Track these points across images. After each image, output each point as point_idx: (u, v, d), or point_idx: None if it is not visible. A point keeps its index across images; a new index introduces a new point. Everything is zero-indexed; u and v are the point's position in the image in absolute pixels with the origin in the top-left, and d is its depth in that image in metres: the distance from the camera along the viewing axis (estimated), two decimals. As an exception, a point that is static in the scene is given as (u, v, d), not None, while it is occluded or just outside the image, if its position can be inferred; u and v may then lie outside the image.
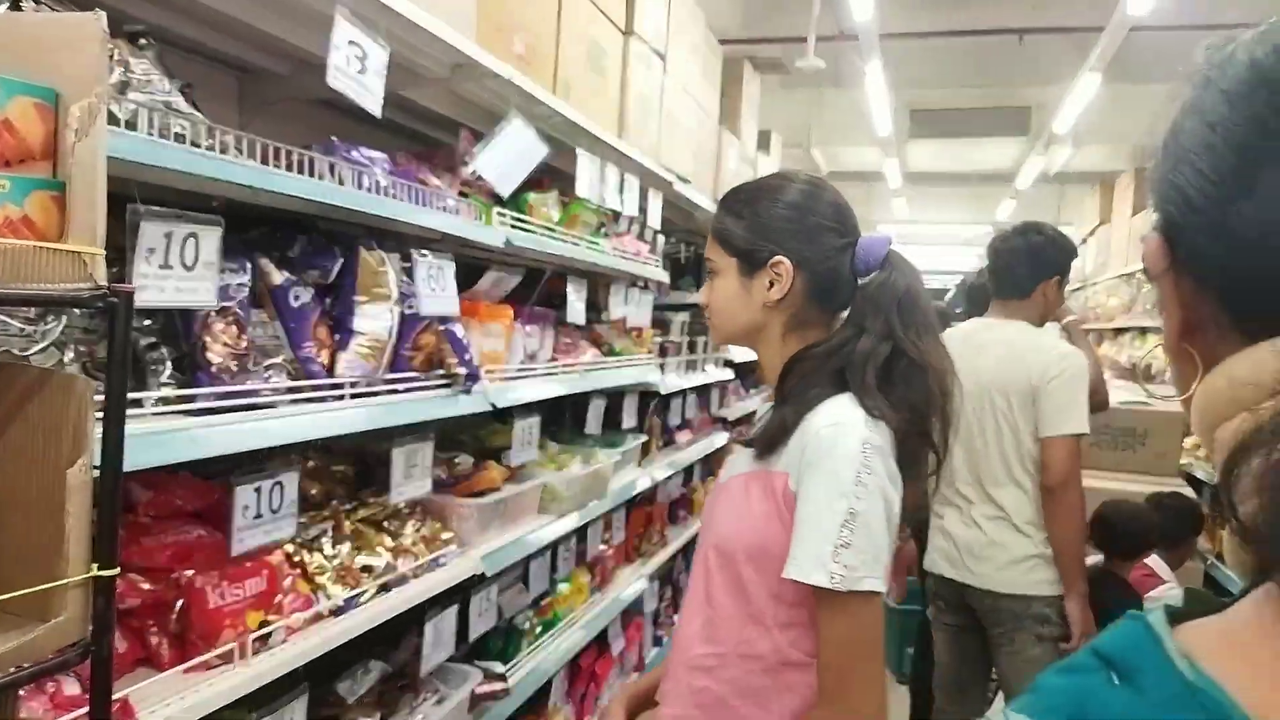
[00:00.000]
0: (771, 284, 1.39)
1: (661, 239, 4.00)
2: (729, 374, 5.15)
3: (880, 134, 9.03)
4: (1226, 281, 0.50)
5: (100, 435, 0.90)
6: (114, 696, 1.31)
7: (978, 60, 8.56)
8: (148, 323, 1.53)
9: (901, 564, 3.41)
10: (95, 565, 0.89)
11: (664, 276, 3.88)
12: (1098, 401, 2.84)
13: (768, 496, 1.32)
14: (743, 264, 1.42)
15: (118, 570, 0.89)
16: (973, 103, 9.36)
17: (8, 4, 1.26)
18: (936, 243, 16.80)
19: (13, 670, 0.83)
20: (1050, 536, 2.66)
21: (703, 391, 4.71)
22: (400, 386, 2.06)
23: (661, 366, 3.86)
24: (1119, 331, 8.33)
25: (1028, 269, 2.82)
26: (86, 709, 1.25)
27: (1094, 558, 3.06)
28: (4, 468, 0.92)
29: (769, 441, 1.35)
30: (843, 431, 1.27)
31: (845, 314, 1.42)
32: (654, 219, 3.61)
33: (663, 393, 3.82)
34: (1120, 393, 4.53)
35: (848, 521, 1.22)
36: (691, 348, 4.45)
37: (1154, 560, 3.09)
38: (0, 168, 0.83)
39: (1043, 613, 2.68)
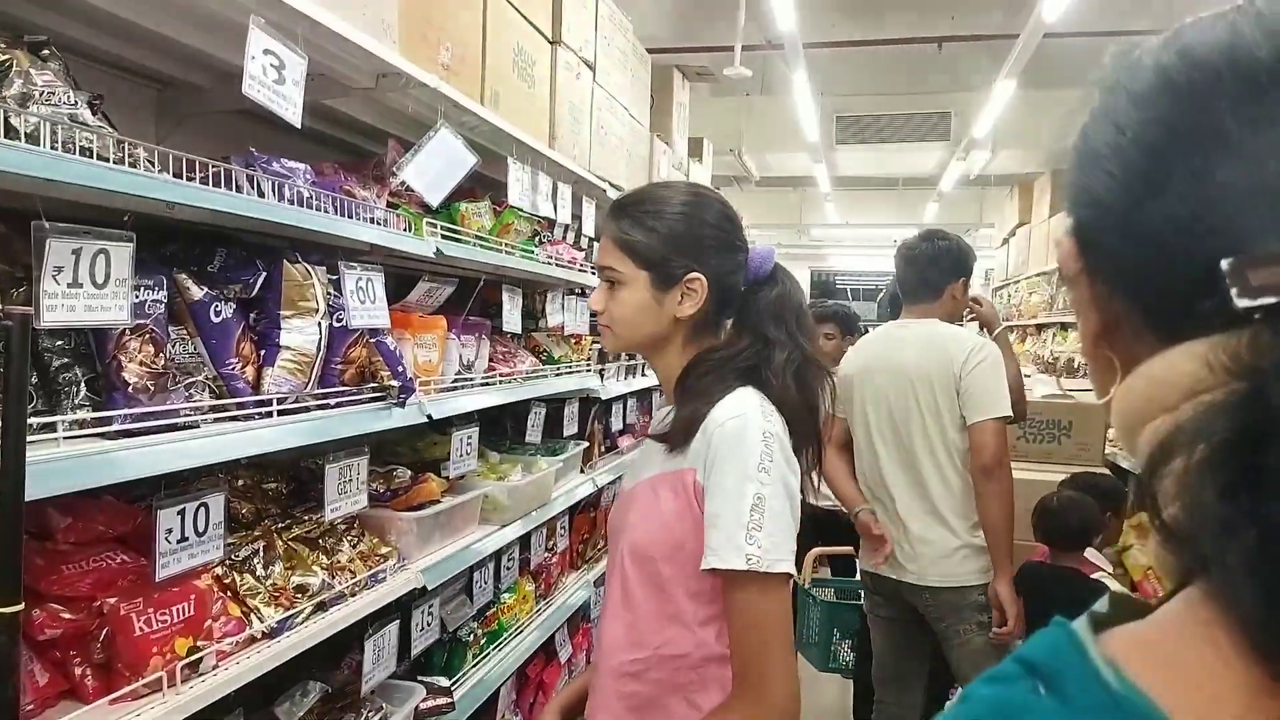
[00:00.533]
0: (683, 298, 1.45)
1: (596, 246, 4.00)
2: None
3: (809, 139, 9.17)
4: (1138, 283, 0.50)
5: None
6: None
7: (900, 68, 8.78)
8: (59, 343, 1.47)
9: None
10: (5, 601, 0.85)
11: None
12: (1018, 411, 2.93)
13: (678, 494, 1.37)
14: (655, 277, 1.45)
15: (21, 605, 0.86)
16: (896, 109, 9.58)
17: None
18: (868, 244, 17.12)
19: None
20: (981, 520, 2.72)
21: (643, 396, 4.72)
22: (331, 401, 2.02)
23: (601, 373, 3.86)
24: (1041, 328, 8.61)
25: (936, 272, 2.95)
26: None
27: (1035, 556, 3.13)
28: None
29: (684, 432, 1.39)
30: (745, 422, 1.34)
31: (729, 319, 1.53)
32: (588, 227, 3.61)
33: (603, 398, 3.81)
34: (1043, 386, 4.67)
35: (756, 506, 1.29)
36: (631, 353, 4.45)
37: (1090, 551, 3.18)
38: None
39: (978, 600, 2.73)
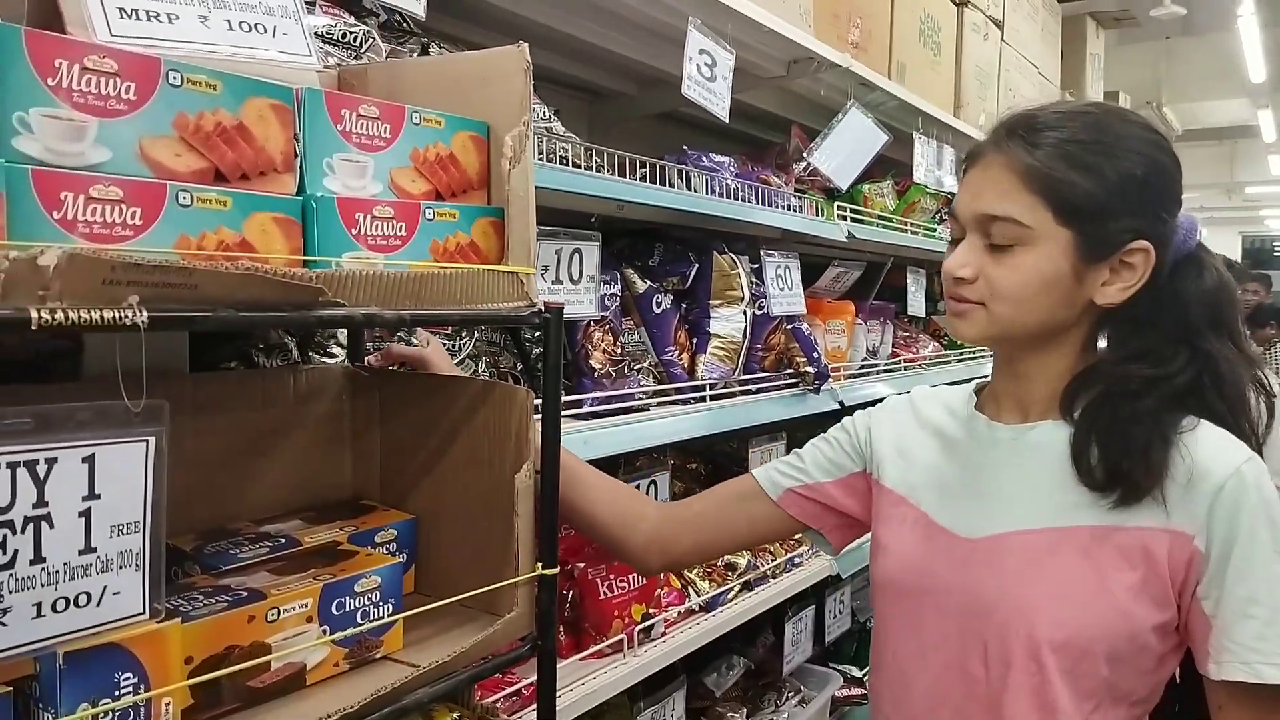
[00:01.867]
0: (1112, 275, 0.98)
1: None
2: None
3: (1253, 81, 7.77)
4: None
5: (540, 442, 0.96)
6: (525, 683, 1.44)
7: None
8: (538, 334, 1.66)
9: None
10: (539, 564, 0.95)
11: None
12: None
13: (1136, 564, 0.94)
14: (1084, 240, 0.96)
15: (558, 569, 0.95)
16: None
17: (418, 49, 1.42)
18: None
19: (480, 662, 0.92)
20: None
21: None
22: (753, 387, 2.07)
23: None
24: None
25: None
26: (505, 691, 1.39)
27: None
28: (458, 474, 1.03)
29: (1145, 475, 0.93)
30: (1260, 471, 0.94)
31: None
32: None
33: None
34: None
35: None
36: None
37: None
38: (448, 198, 0.92)
39: None
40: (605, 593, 1.66)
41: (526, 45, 0.95)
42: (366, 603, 0.88)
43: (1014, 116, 1.01)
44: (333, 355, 1.18)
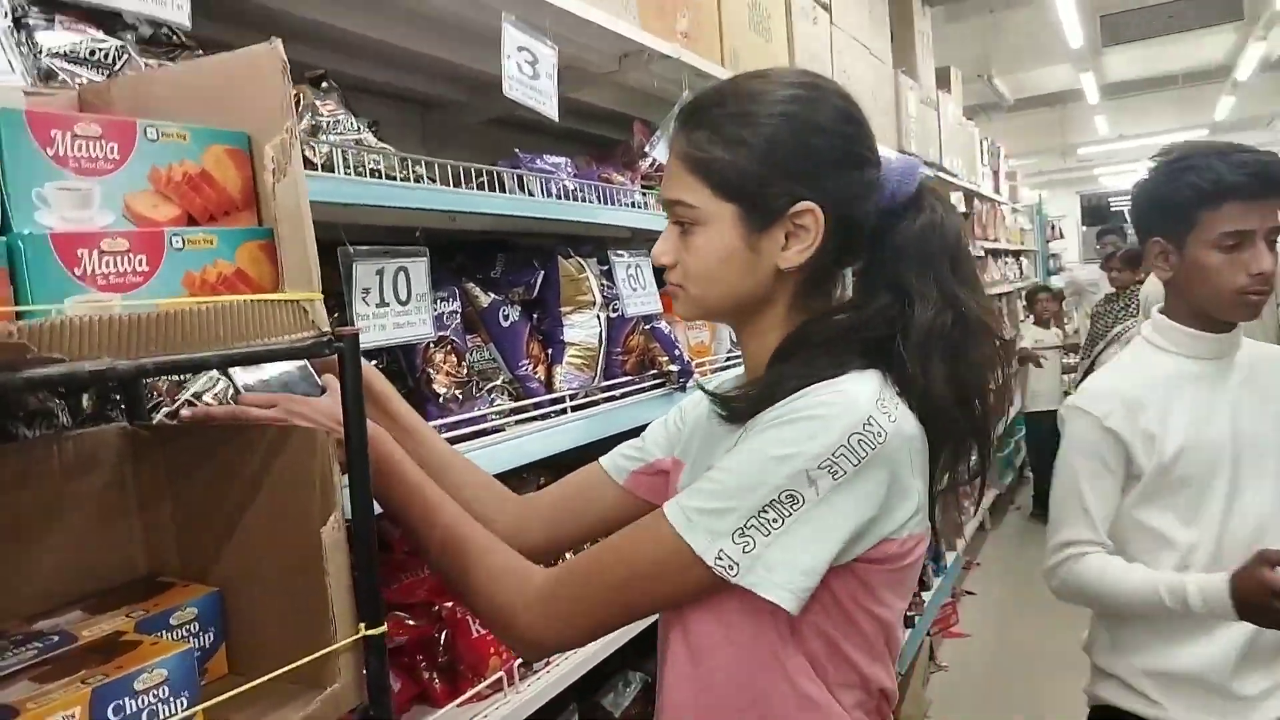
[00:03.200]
0: (789, 240, 0.98)
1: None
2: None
3: (1072, 47, 8.24)
4: None
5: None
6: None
7: (1174, -57, 7.65)
8: (374, 363, 1.54)
9: None
10: (362, 625, 0.85)
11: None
12: None
13: None
14: (747, 211, 0.97)
15: (384, 628, 0.85)
16: (1173, -7, 8.36)
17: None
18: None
19: (300, 742, 0.80)
20: None
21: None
22: (618, 393, 2.00)
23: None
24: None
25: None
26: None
27: None
28: (263, 534, 0.91)
29: (751, 405, 0.95)
30: (842, 404, 0.90)
31: (855, 268, 1.07)
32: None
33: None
34: None
35: (778, 503, 0.88)
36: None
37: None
38: (205, 223, 0.81)
39: None
40: (478, 629, 1.55)
41: (280, 40, 0.84)
42: (153, 700, 0.75)
43: (687, 102, 1.05)
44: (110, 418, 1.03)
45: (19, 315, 0.65)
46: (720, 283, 1.00)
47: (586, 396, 1.90)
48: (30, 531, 0.89)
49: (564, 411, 1.83)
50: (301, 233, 0.83)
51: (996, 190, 7.25)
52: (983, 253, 6.35)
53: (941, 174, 4.96)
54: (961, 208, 5.42)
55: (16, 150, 0.68)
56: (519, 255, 1.90)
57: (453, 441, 1.53)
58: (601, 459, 1.23)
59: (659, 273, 2.47)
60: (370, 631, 0.85)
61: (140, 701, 0.74)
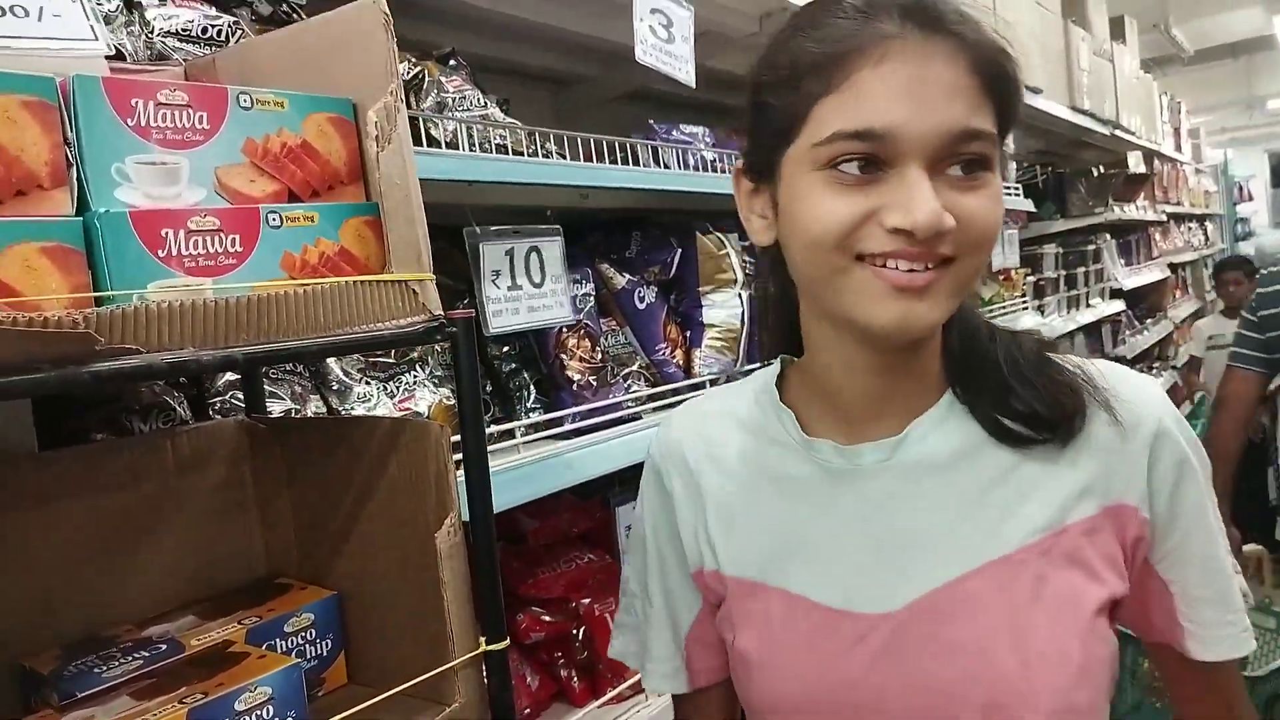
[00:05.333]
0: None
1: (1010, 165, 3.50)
2: (1118, 305, 4.42)
3: (1264, -14, 7.40)
4: None
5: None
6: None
7: None
8: (506, 349, 1.47)
9: None
10: (483, 639, 0.76)
11: (1027, 205, 3.37)
12: None
13: (1091, 567, 0.70)
14: (1001, 144, 0.69)
15: (507, 642, 0.76)
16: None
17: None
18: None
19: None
20: None
21: (1091, 331, 4.07)
22: (762, 377, 1.87)
23: (1040, 309, 3.35)
24: None
25: None
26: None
27: None
28: (381, 535, 0.84)
29: (1069, 422, 0.71)
30: (1169, 407, 0.74)
31: None
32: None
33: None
34: None
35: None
36: (1070, 282, 3.84)
37: None
38: (308, 198, 0.73)
39: None
40: (616, 630, 1.47)
41: (382, -2, 0.76)
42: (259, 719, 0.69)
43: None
44: (234, 409, 0.99)
45: (98, 302, 0.59)
46: (994, 241, 0.69)
47: (728, 381, 1.78)
48: (143, 531, 0.86)
49: (705, 398, 1.72)
50: (409, 207, 0.75)
51: (1178, 149, 6.61)
52: (1164, 217, 5.79)
53: (1119, 132, 4.52)
54: (1140, 168, 4.93)
55: (94, 121, 0.62)
56: (655, 233, 1.79)
57: (588, 430, 1.45)
58: (650, 686, 0.86)
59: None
60: (491, 646, 0.76)
61: (243, 724, 0.68)
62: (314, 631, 0.83)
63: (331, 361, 1.16)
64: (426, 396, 1.24)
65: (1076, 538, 0.69)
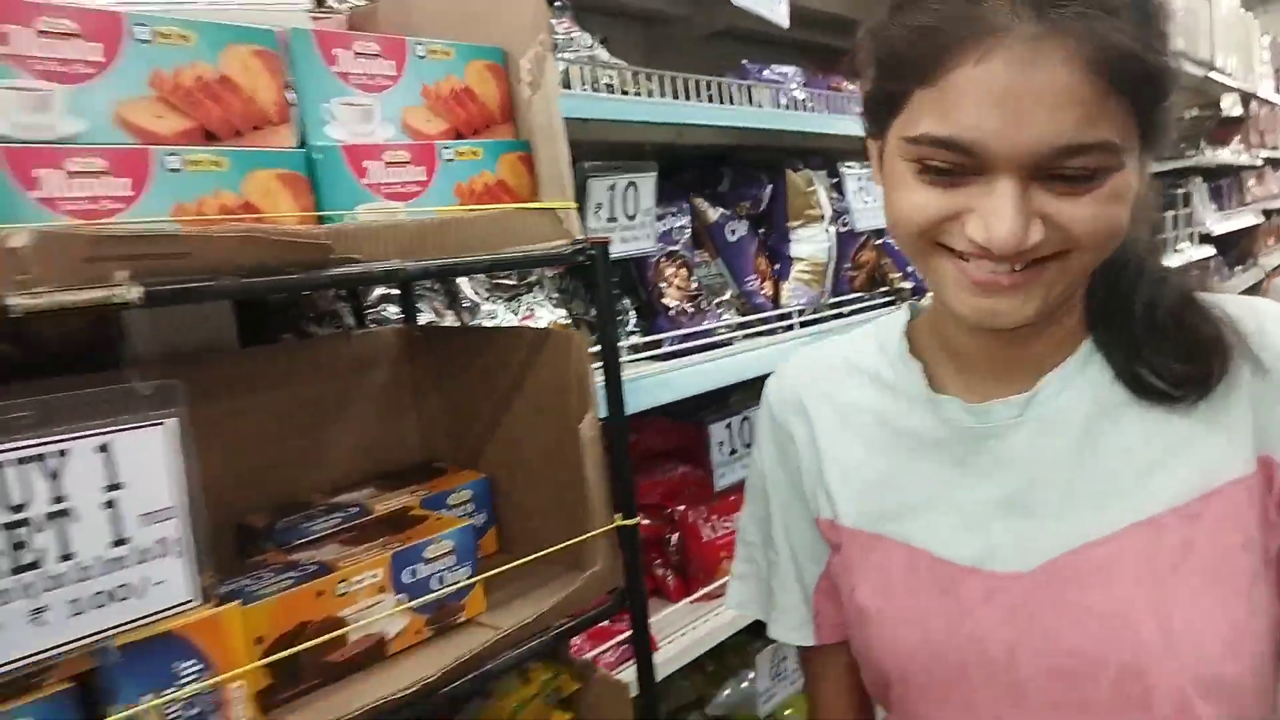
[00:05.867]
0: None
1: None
2: (1207, 251, 4.32)
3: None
4: None
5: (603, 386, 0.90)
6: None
7: None
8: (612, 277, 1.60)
9: None
10: (619, 515, 0.90)
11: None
12: None
13: (1245, 532, 0.65)
14: (1146, 134, 0.61)
15: (639, 519, 0.90)
16: None
17: None
18: None
19: (565, 621, 0.88)
20: None
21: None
22: (846, 309, 1.96)
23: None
24: None
25: None
26: (612, 641, 1.35)
27: None
28: (526, 428, 0.98)
29: (1218, 365, 0.66)
30: None
31: None
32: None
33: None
34: None
35: None
36: (1158, 226, 3.78)
37: None
38: (469, 136, 0.86)
39: None
40: (708, 534, 1.61)
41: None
42: (441, 568, 0.84)
43: None
44: (387, 320, 1.14)
45: (320, 220, 0.73)
46: (1114, 242, 0.62)
47: (815, 313, 1.88)
48: (325, 418, 1.02)
49: (790, 328, 1.82)
50: (555, 144, 0.87)
51: (1278, 91, 6.30)
52: (1259, 162, 5.57)
53: (1213, 74, 4.37)
54: (1235, 111, 4.76)
55: (308, 67, 0.75)
56: (746, 170, 1.88)
57: (682, 354, 1.57)
58: (776, 636, 0.85)
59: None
60: (624, 521, 0.90)
61: (432, 567, 0.83)
62: (472, 505, 0.99)
63: (463, 282, 1.30)
64: (545, 315, 1.37)
65: (1228, 500, 0.65)
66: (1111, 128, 0.57)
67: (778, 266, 1.88)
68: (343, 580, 0.78)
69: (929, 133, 0.59)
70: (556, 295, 1.45)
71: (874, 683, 0.77)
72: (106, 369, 0.88)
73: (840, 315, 1.95)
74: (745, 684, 1.73)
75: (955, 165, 0.59)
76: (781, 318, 1.82)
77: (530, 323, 1.35)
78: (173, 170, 0.63)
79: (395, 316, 1.15)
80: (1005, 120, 0.56)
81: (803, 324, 1.84)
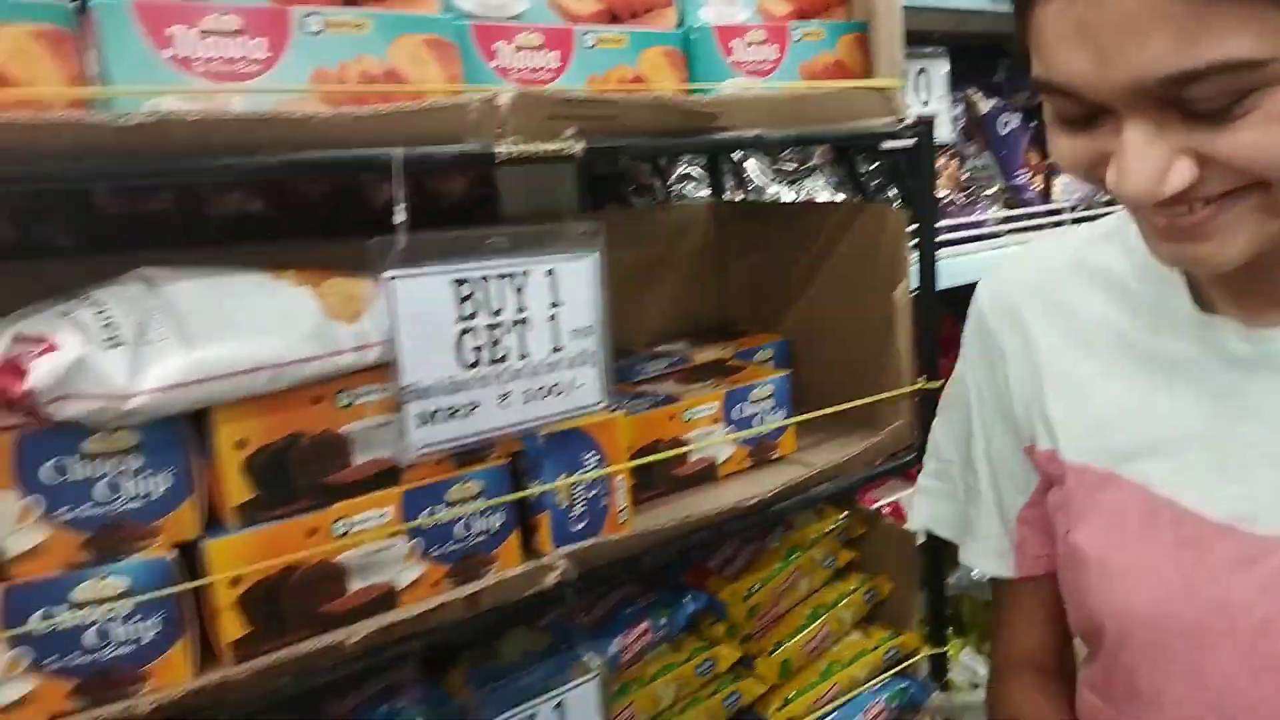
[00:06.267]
0: None
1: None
2: None
3: None
4: None
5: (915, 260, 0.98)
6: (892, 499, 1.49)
7: None
8: (877, 164, 1.63)
9: None
10: (923, 378, 0.98)
11: None
12: None
13: None
14: None
15: (941, 382, 0.97)
16: None
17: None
18: None
19: (868, 466, 0.98)
20: None
21: None
22: (1119, 207, 1.89)
23: None
24: None
25: None
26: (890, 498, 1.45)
27: None
28: (826, 298, 1.07)
29: None
30: None
31: None
32: None
33: None
34: None
35: None
36: None
37: None
38: (811, 17, 0.93)
39: None
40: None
41: None
42: (763, 408, 0.96)
43: None
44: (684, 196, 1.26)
45: (692, 93, 0.84)
46: None
47: (1088, 209, 1.83)
48: (643, 277, 1.16)
49: (1060, 224, 1.79)
50: (891, 24, 0.93)
51: None
52: None
53: None
54: None
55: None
56: (1024, 60, 1.83)
57: (949, 244, 1.60)
58: (971, 563, 0.79)
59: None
60: (928, 384, 0.98)
61: (756, 407, 0.95)
62: (773, 364, 1.10)
63: (750, 164, 1.39)
64: (823, 198, 1.44)
65: None
66: (1234, 39, 0.43)
67: (1050, 161, 1.84)
68: (686, 409, 0.92)
69: (1035, 77, 0.52)
70: (835, 180, 1.51)
71: (1085, 630, 0.68)
72: (480, 223, 1.04)
73: (1112, 212, 1.89)
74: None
75: (1072, 109, 0.51)
76: (1051, 213, 1.79)
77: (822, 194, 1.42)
78: (589, 47, 0.76)
79: (693, 194, 1.26)
80: (1089, 57, 0.47)
81: (1074, 220, 1.80)
